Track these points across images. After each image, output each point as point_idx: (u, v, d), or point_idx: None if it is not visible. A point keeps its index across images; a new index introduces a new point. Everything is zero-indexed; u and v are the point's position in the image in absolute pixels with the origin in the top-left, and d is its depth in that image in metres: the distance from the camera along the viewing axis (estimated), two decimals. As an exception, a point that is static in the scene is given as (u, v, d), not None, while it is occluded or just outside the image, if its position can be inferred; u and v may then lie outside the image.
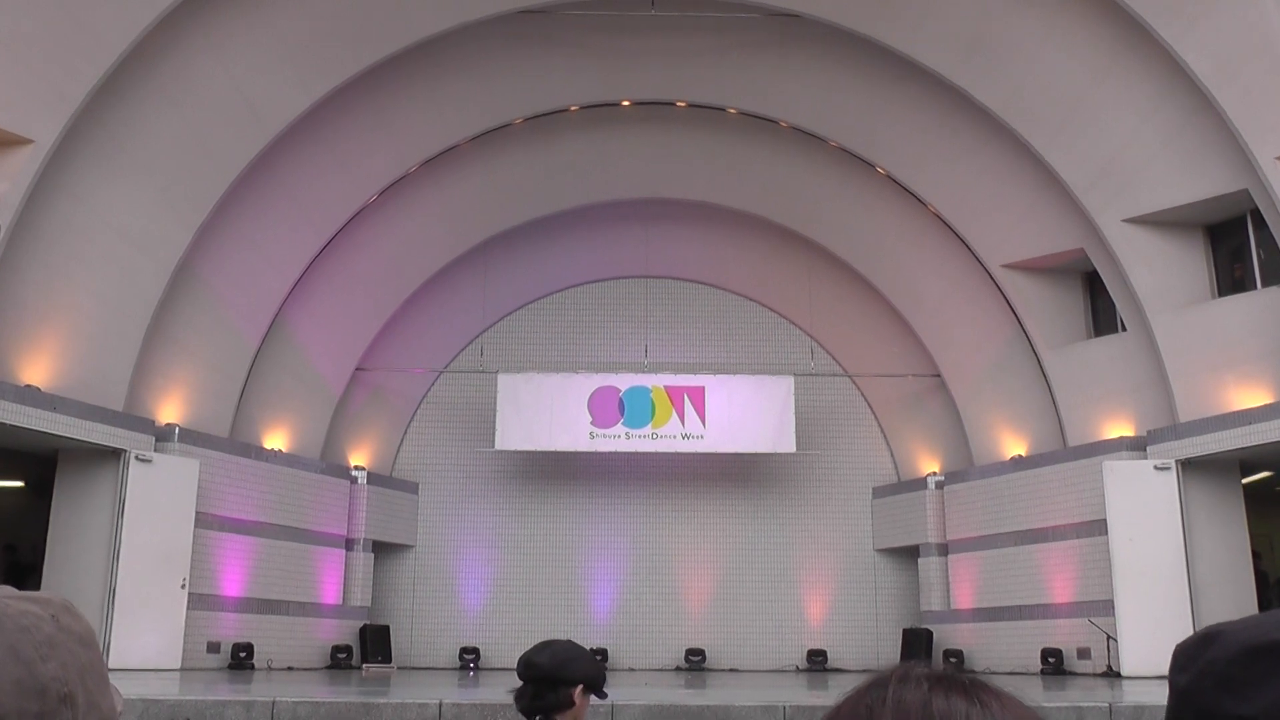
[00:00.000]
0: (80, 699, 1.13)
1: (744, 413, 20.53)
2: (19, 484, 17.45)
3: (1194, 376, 16.12)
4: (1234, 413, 15.48)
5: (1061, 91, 16.09)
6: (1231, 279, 16.47)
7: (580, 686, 3.84)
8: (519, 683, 3.91)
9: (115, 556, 15.56)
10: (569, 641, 4.01)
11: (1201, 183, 15.55)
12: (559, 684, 3.81)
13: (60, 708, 1.10)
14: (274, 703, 7.83)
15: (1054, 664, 17.51)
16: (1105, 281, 17.52)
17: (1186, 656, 1.20)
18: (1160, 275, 16.45)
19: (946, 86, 16.90)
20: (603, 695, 4.03)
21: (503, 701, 7.62)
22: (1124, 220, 16.43)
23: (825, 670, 20.53)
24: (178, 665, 15.98)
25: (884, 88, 17.69)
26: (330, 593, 19.77)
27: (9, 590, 1.16)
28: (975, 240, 19.05)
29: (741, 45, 17.70)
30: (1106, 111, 15.91)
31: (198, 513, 16.75)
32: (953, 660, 19.24)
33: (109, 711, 1.18)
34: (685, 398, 20.63)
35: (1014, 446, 19.48)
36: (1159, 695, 9.63)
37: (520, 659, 3.91)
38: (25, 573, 16.52)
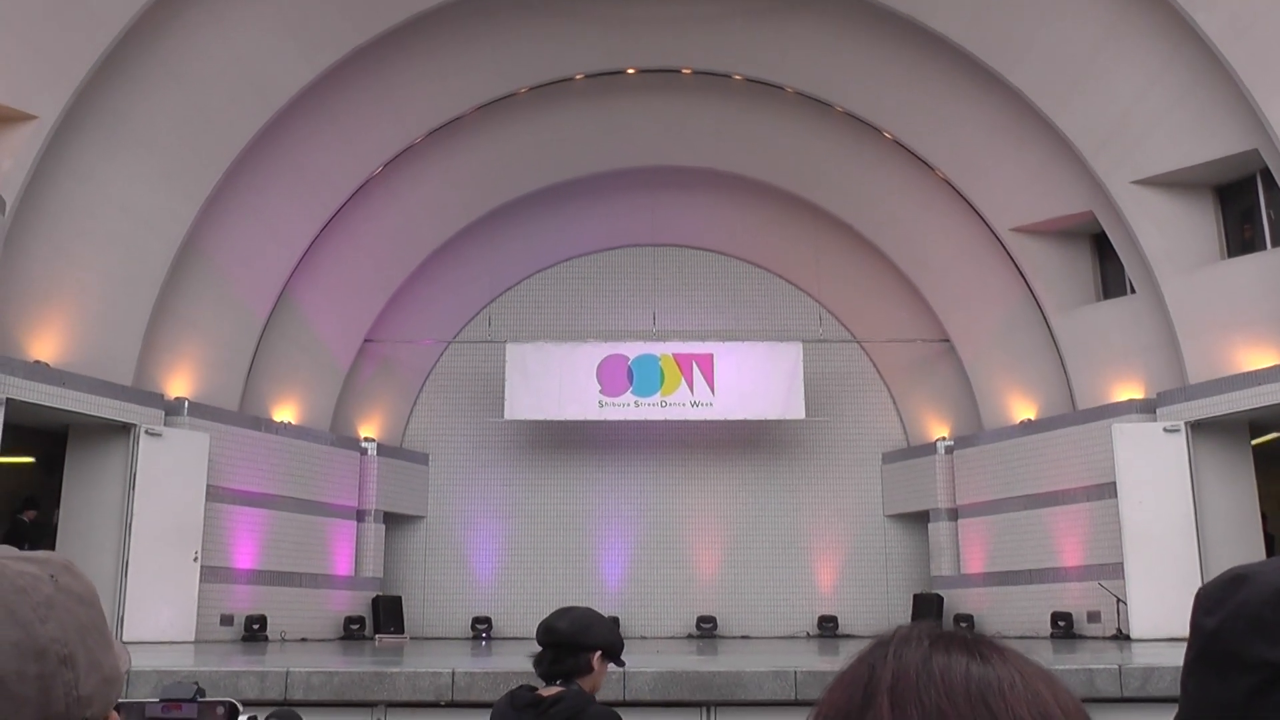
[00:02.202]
0: (81, 659, 1.12)
1: (753, 380, 20.52)
2: (30, 460, 17.50)
3: (1203, 338, 16.07)
4: (1243, 374, 15.44)
5: (1069, 52, 15.99)
6: (1241, 240, 16.39)
7: (599, 653, 3.87)
8: (538, 649, 3.95)
9: (127, 531, 15.63)
10: (588, 609, 4.05)
11: (1211, 143, 15.46)
12: (578, 649, 3.84)
13: (60, 669, 1.10)
14: (288, 673, 7.86)
15: (1064, 627, 17.54)
16: (1114, 244, 17.45)
17: (1213, 599, 1.19)
18: (1169, 237, 16.38)
19: (953, 49, 16.80)
20: (621, 663, 4.05)
21: (514, 670, 7.65)
22: (1133, 182, 16.35)
23: (836, 636, 20.58)
24: (192, 638, 16.06)
25: (890, 52, 17.58)
26: (342, 564, 19.85)
27: (8, 550, 1.16)
28: (983, 204, 18.98)
29: (746, 11, 17.60)
30: (1115, 72, 15.81)
31: (209, 486, 16.80)
32: (963, 625, 19.30)
33: (111, 671, 1.18)
34: (694, 365, 20.62)
35: (1023, 410, 19.46)
36: (1169, 657, 9.64)
37: (540, 624, 3.94)
38: (36, 536, 16.59)
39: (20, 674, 1.07)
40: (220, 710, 1.79)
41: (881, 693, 0.91)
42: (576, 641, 3.85)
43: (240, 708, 1.83)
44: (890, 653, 0.95)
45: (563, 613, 3.98)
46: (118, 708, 1.21)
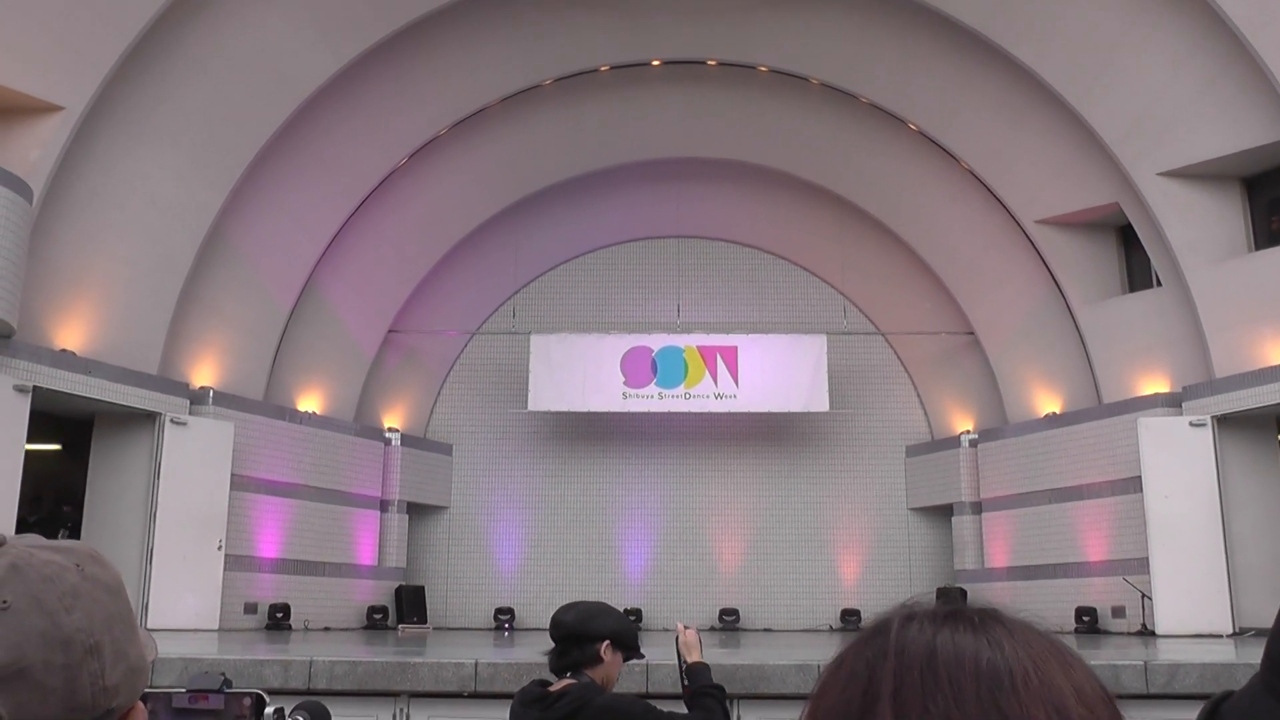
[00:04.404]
0: (107, 649, 1.12)
1: (777, 372, 20.48)
2: (56, 447, 17.60)
3: (1230, 331, 15.95)
4: (1271, 368, 15.32)
5: (1094, 42, 15.88)
6: (1269, 232, 16.25)
7: (607, 642, 3.86)
8: (553, 644, 3.95)
9: (152, 519, 15.71)
10: (598, 601, 4.05)
11: (1238, 133, 15.33)
12: (585, 640, 3.83)
13: (86, 659, 1.09)
14: (311, 662, 7.88)
15: (1088, 622, 17.46)
16: (1140, 236, 17.34)
17: None
18: (1196, 229, 16.26)
19: (978, 40, 16.72)
20: (638, 655, 4.04)
21: (538, 661, 7.66)
22: (1159, 173, 16.23)
23: (859, 630, 20.48)
24: (215, 626, 16.14)
25: (915, 43, 17.51)
26: (366, 554, 19.91)
27: (35, 539, 1.15)
28: (1008, 196, 18.88)
29: (771, 2, 17.54)
30: (1140, 61, 15.69)
31: (233, 475, 16.88)
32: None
33: (138, 661, 1.17)
34: (718, 357, 20.59)
35: (1048, 404, 19.37)
36: (1194, 653, 9.58)
37: (550, 619, 3.95)
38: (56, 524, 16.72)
39: (46, 663, 1.06)
40: (248, 701, 1.78)
41: (884, 700, 0.86)
42: (583, 632, 3.85)
43: (268, 699, 1.83)
44: (891, 645, 0.90)
45: (570, 606, 3.99)
46: (144, 697, 1.21)
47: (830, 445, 22.04)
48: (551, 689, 3.78)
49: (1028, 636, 0.90)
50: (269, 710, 1.81)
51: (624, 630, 3.95)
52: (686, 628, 4.20)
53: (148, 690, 1.23)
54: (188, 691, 1.76)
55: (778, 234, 22.50)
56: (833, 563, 21.70)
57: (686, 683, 4.09)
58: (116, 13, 13.88)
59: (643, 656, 4.10)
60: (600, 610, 3.96)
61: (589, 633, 3.84)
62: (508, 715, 3.88)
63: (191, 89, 15.56)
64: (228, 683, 1.77)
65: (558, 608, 4.00)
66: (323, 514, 18.89)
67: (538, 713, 3.69)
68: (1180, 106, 15.69)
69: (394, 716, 7.70)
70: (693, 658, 4.11)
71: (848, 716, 0.88)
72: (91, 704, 1.09)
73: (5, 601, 1.06)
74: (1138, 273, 18.40)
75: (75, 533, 16.30)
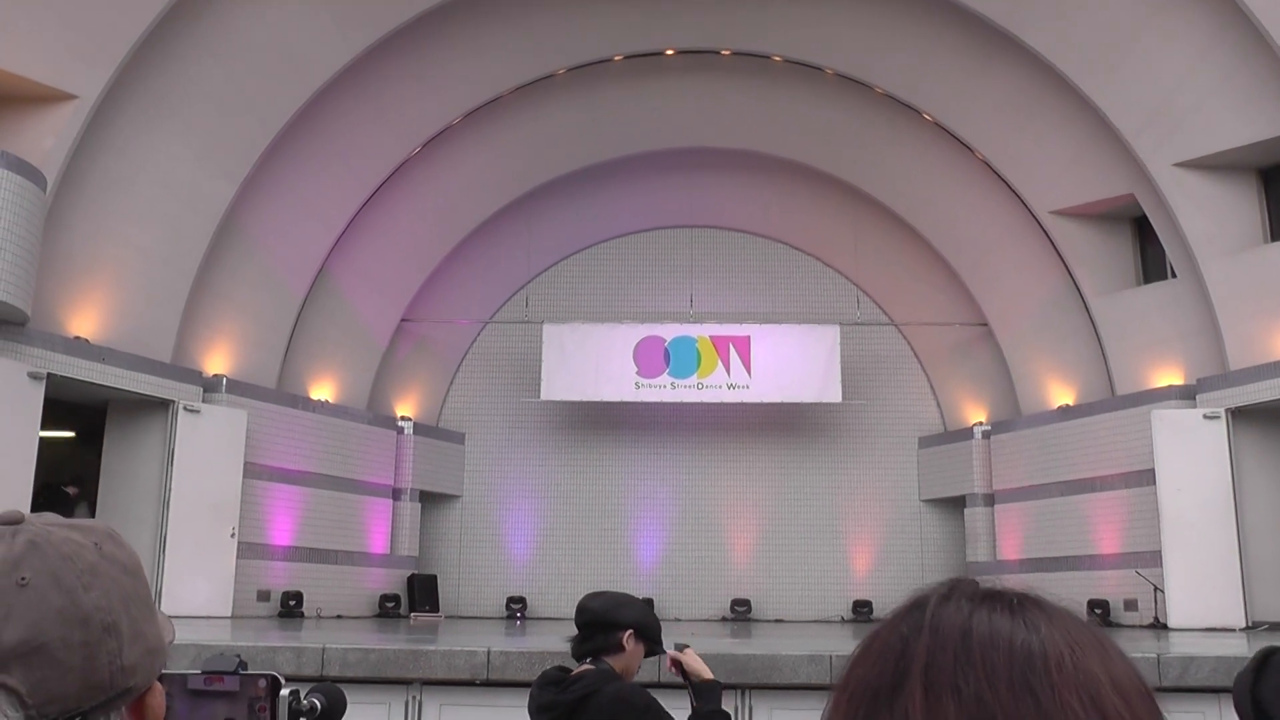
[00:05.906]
0: (125, 628, 1.12)
1: (789, 362, 20.46)
2: (70, 434, 17.65)
3: (1245, 323, 15.89)
4: (1286, 360, 15.27)
5: (1111, 32, 15.81)
6: (1285, 224, 16.20)
7: (630, 631, 3.87)
8: (577, 630, 3.98)
9: (165, 506, 15.75)
10: (625, 592, 4.07)
11: (1255, 124, 15.26)
12: (610, 627, 3.85)
13: (104, 637, 1.09)
14: (324, 649, 7.89)
15: (1100, 615, 17.41)
16: (1155, 227, 17.27)
17: None
18: (1212, 220, 16.19)
19: (994, 29, 16.66)
20: (660, 649, 4.04)
21: (550, 649, 7.66)
22: (1175, 164, 16.16)
23: (870, 621, 20.50)
24: (228, 613, 16.19)
25: (931, 32, 17.45)
26: (378, 542, 19.94)
27: (53, 517, 1.15)
28: (1023, 187, 18.82)
29: (786, -9, 17.52)
30: (1158, 52, 15.62)
31: (246, 463, 16.90)
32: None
33: (155, 641, 1.17)
34: (730, 347, 20.58)
35: (1061, 395, 19.32)
36: (1207, 647, 9.56)
37: (577, 605, 3.98)
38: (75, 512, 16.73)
39: (64, 640, 1.06)
40: (263, 684, 1.78)
41: (915, 675, 0.85)
42: (607, 619, 3.86)
43: (283, 681, 1.83)
44: (927, 621, 0.88)
45: (597, 593, 4.01)
46: (160, 678, 1.21)
47: (843, 436, 22.03)
48: (571, 673, 3.81)
49: (1067, 623, 0.89)
50: (284, 692, 1.81)
51: (649, 623, 3.96)
52: (683, 649, 4.10)
53: (163, 672, 1.23)
54: (203, 673, 1.76)
55: (791, 224, 22.47)
56: (844, 554, 21.69)
57: (696, 702, 4.04)
58: (130, 1, 13.90)
59: (664, 652, 4.10)
60: (627, 601, 3.98)
61: (614, 620, 3.86)
62: (519, 703, 3.90)
63: (205, 77, 15.58)
64: (243, 665, 1.77)
65: (584, 595, 4.02)
66: (335, 502, 18.93)
67: (553, 694, 3.72)
68: (1197, 97, 15.61)
69: (406, 704, 7.72)
70: (706, 676, 4.06)
71: (879, 688, 0.87)
72: (109, 683, 1.09)
73: (24, 578, 1.06)
74: (1152, 264, 18.33)
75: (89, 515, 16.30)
